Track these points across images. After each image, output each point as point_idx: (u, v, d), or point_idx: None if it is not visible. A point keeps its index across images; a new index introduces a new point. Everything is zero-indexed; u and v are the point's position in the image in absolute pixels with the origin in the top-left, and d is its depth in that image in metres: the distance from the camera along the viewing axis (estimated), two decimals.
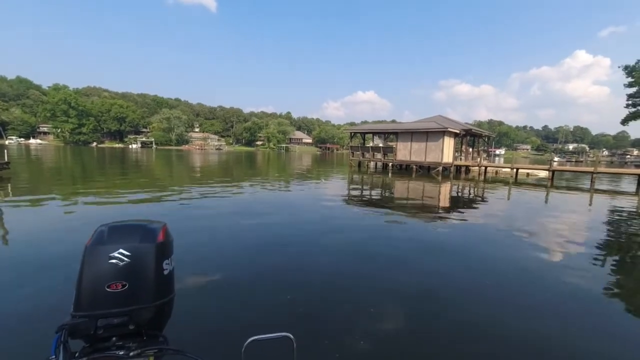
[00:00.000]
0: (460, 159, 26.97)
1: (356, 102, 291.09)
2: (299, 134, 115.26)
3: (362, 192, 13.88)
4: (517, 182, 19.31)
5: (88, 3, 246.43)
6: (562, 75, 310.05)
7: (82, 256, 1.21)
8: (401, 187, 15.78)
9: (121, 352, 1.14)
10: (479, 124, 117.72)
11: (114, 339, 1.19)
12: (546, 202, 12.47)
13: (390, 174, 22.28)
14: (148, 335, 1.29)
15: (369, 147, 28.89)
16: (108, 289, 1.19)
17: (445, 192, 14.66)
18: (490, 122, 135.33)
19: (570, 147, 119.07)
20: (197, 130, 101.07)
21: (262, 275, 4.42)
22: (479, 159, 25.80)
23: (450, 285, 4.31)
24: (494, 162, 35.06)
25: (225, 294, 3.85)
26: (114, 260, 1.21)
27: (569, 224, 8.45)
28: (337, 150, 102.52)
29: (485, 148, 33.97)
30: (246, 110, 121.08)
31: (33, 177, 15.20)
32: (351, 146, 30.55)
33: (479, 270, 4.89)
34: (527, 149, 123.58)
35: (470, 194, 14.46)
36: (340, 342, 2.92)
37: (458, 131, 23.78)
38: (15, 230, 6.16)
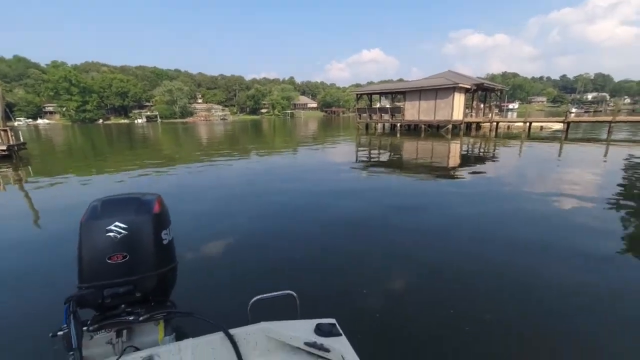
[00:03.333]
0: (471, 115, 26.05)
1: (361, 61, 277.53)
2: (303, 99, 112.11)
3: (370, 155, 13.84)
4: (529, 136, 18.77)
5: None
6: (585, 17, 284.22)
7: (78, 232, 1.27)
8: (410, 148, 15.61)
9: (131, 318, 1.22)
10: (492, 78, 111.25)
11: (122, 306, 1.26)
12: (559, 155, 12.21)
13: (398, 135, 21.89)
14: (156, 302, 1.38)
15: (375, 108, 28.08)
16: (109, 261, 1.25)
17: (455, 151, 14.45)
18: (504, 75, 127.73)
19: (590, 96, 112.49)
20: (200, 101, 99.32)
21: (269, 237, 4.65)
22: (490, 114, 24.88)
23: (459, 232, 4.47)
24: (506, 117, 33.76)
25: (234, 256, 4.03)
26: (111, 234, 1.26)
27: (579, 178, 8.35)
28: (343, 113, 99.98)
29: (498, 103, 32.52)
30: (248, 77, 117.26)
31: (49, 156, 15.61)
32: (358, 108, 29.71)
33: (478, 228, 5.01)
34: (543, 102, 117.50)
35: (480, 151, 14.22)
36: (345, 297, 3.15)
37: (469, 86, 22.70)
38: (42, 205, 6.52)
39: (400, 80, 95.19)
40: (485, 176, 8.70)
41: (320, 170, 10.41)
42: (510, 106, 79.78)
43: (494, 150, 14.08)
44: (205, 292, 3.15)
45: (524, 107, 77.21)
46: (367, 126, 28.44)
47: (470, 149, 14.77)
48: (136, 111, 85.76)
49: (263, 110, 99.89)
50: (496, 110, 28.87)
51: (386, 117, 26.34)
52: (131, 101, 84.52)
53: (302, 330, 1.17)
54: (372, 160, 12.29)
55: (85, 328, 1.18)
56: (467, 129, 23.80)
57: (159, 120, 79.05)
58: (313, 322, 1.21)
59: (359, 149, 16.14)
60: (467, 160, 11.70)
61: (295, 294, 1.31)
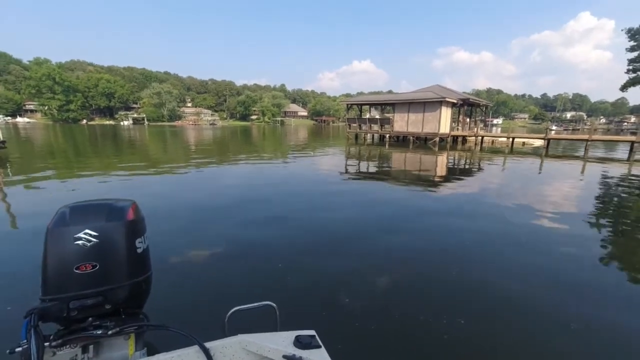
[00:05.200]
0: (457, 129, 26.77)
1: (352, 72, 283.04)
2: (294, 107, 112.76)
3: (359, 165, 13.95)
4: (512, 152, 19.39)
5: None
6: (564, 40, 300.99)
7: (44, 239, 1.17)
8: (398, 159, 15.83)
9: (99, 332, 1.14)
10: (477, 93, 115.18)
11: (90, 319, 1.17)
12: (540, 171, 12.63)
13: (387, 146, 22.21)
14: (127, 314, 1.29)
15: (365, 119, 28.48)
16: (77, 271, 1.15)
17: (441, 163, 14.74)
18: (489, 91, 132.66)
19: (568, 115, 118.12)
20: (189, 105, 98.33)
21: (254, 245, 4.56)
22: (475, 129, 25.64)
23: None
24: (491, 131, 34.85)
25: (213, 265, 3.89)
26: (80, 242, 1.17)
27: (559, 192, 8.64)
28: (333, 122, 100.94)
29: (483, 118, 33.64)
30: (238, 83, 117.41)
31: (31, 156, 14.96)
32: (348, 118, 30.06)
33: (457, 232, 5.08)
34: (525, 118, 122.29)
35: (465, 164, 14.56)
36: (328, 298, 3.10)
37: (455, 101, 23.39)
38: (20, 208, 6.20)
39: (390, 92, 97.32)
40: (476, 188, 8.89)
41: (310, 177, 10.39)
42: (495, 121, 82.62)
43: (479, 164, 14.45)
44: (180, 303, 3.03)
45: (507, 123, 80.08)
46: (356, 136, 28.77)
47: (457, 162, 15.10)
48: (122, 113, 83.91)
49: (253, 117, 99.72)
50: (481, 125, 29.80)
51: (375, 127, 26.75)
52: (118, 102, 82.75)
53: (280, 342, 1.14)
54: (361, 171, 12.37)
55: (47, 343, 1.09)
56: (454, 142, 24.42)
57: (146, 123, 77.56)
58: (292, 334, 1.17)
59: (348, 159, 16.25)
60: (455, 172, 11.94)
61: (274, 305, 1.26)
